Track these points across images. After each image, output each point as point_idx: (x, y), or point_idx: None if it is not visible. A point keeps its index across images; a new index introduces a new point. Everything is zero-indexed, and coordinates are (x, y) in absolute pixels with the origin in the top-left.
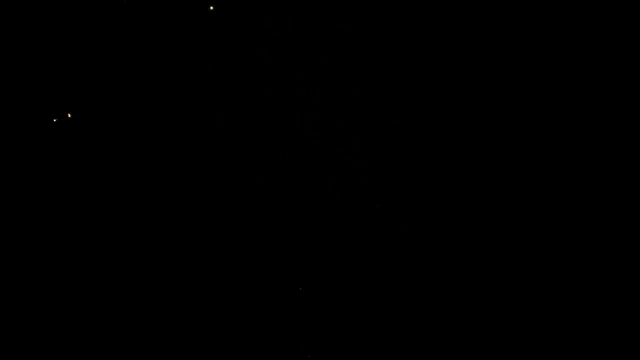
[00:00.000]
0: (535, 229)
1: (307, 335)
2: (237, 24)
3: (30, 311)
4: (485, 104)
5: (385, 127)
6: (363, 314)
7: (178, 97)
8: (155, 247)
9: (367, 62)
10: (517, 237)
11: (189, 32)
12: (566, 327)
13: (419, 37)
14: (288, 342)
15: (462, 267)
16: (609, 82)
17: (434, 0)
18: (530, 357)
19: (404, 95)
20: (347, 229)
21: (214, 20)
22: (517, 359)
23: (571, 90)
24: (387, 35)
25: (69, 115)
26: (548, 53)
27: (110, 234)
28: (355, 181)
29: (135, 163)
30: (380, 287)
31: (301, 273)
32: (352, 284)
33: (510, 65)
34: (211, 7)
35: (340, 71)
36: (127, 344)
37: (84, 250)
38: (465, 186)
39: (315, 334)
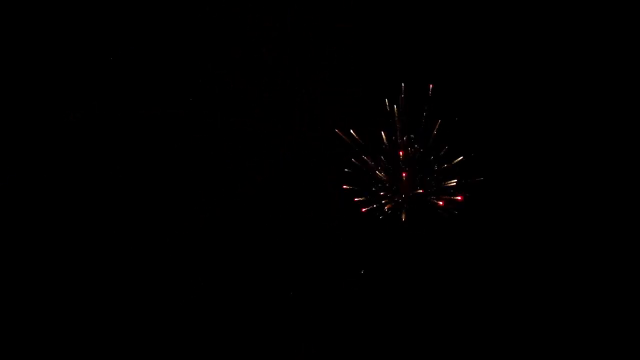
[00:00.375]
0: (537, 230)
1: (307, 335)
2: (237, 24)
3: (30, 311)
4: (484, 104)
5: (385, 127)
6: (362, 313)
7: (178, 97)
8: (156, 246)
9: (367, 62)
10: (519, 240)
11: (189, 32)
12: (566, 327)
13: (418, 37)
14: (288, 342)
15: (460, 267)
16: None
17: (433, 1)
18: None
19: (403, 95)
20: (347, 229)
21: (214, 21)
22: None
23: (567, 92)
24: (386, 36)
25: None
26: (546, 54)
27: (111, 233)
28: (355, 181)
29: (135, 163)
30: (380, 287)
31: (301, 273)
32: (351, 284)
33: (510, 66)
34: None
35: (340, 71)
36: (127, 344)
37: (84, 248)
38: (463, 184)
39: (315, 334)
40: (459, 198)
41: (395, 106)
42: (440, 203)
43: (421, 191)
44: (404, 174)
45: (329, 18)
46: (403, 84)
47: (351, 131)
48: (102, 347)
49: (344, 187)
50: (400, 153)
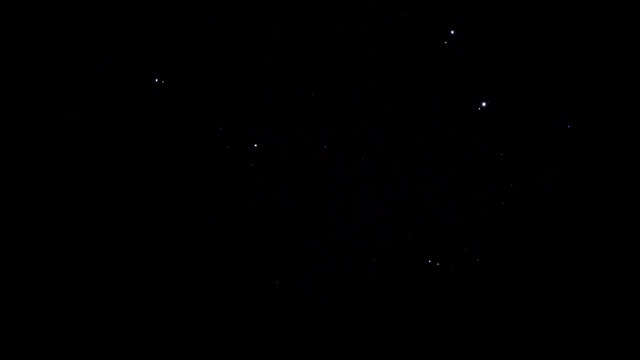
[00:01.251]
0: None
1: (307, 335)
2: (237, 24)
3: (30, 311)
4: (487, 105)
5: (385, 127)
6: (362, 314)
7: (178, 97)
8: (156, 246)
9: (367, 62)
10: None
11: (189, 32)
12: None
13: (418, 37)
14: (288, 342)
15: (459, 269)
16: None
17: (433, 1)
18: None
19: (403, 95)
20: (347, 229)
21: (213, 20)
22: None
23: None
24: (386, 35)
25: (70, 116)
26: (545, 55)
27: (111, 233)
28: (356, 181)
29: (135, 163)
30: (380, 288)
31: (301, 273)
32: (352, 284)
33: (513, 66)
34: None
35: (340, 71)
36: (127, 344)
37: (85, 248)
38: (462, 183)
39: (315, 334)
40: None
41: None
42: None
43: None
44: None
45: (329, 18)
46: None
47: None
48: (102, 347)
49: None
50: None
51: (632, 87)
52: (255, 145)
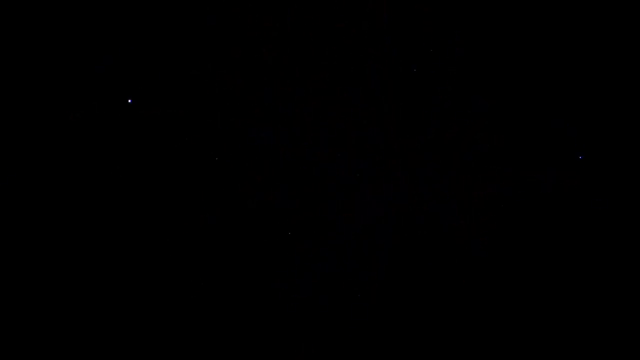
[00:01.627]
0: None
1: (307, 335)
2: (237, 24)
3: (30, 311)
4: (488, 105)
5: (385, 127)
6: (362, 314)
7: (178, 97)
8: (155, 247)
9: (367, 62)
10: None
11: (189, 31)
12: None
13: (418, 36)
14: (288, 342)
15: (459, 269)
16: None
17: (433, 1)
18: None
19: (403, 95)
20: (347, 229)
21: (213, 20)
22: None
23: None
24: (386, 35)
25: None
26: (545, 55)
27: (110, 233)
28: (355, 181)
29: (135, 163)
30: (380, 288)
31: (301, 273)
32: (352, 284)
33: (513, 66)
34: None
35: (340, 71)
36: (127, 344)
37: (85, 249)
38: (462, 183)
39: (315, 334)
40: None
41: None
42: None
43: None
44: None
45: (329, 18)
46: None
47: None
48: (102, 347)
49: None
50: None
51: (633, 86)
52: (255, 145)
